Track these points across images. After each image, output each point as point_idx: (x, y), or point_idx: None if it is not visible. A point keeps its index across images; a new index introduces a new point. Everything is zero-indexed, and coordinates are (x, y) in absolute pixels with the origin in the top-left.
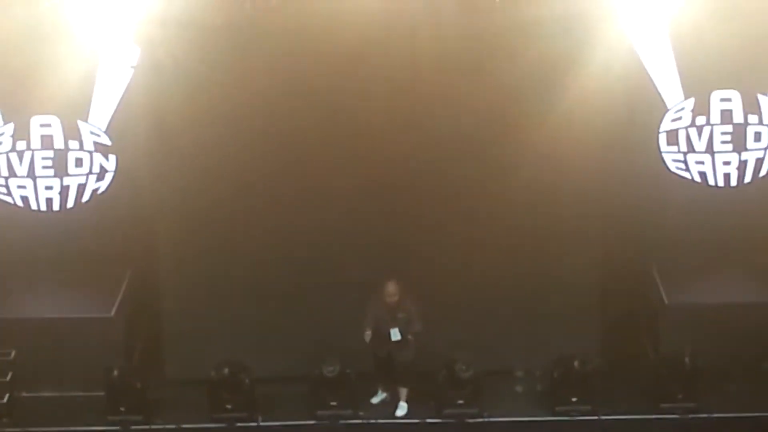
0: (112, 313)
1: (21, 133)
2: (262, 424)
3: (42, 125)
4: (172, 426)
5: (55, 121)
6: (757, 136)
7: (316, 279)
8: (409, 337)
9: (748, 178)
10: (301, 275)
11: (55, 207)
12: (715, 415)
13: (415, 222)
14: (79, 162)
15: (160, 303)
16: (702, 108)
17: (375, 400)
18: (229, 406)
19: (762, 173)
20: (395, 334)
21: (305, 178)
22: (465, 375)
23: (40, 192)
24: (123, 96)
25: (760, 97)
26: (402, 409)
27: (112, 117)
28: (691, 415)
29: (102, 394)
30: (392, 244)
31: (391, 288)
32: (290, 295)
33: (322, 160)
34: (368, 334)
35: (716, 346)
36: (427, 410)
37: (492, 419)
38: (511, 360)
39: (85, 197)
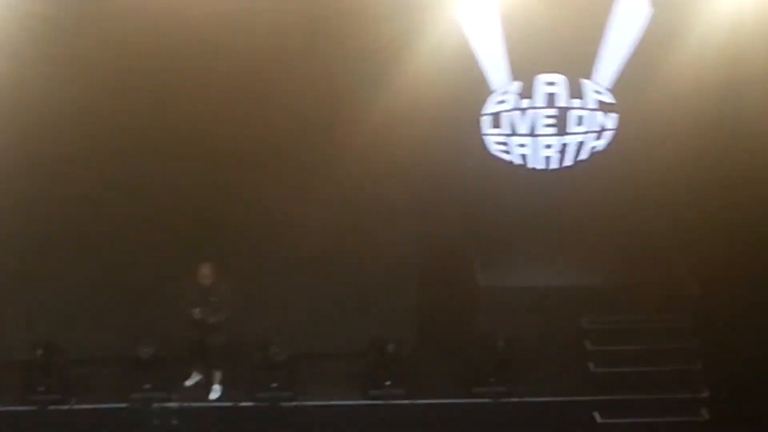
0: None
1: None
2: (74, 407)
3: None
4: None
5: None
6: (580, 120)
7: (132, 259)
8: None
9: (568, 161)
10: (116, 255)
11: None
12: (527, 399)
13: (232, 202)
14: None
15: None
16: (527, 91)
17: (189, 382)
18: (41, 389)
19: (581, 156)
20: (215, 392)
21: (125, 157)
22: (279, 358)
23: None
24: None
25: (583, 81)
26: (216, 392)
27: None
28: (503, 400)
29: None
30: (208, 225)
31: (205, 270)
32: (105, 274)
33: (147, 139)
34: (196, 311)
35: (529, 329)
36: (240, 393)
37: (306, 403)
38: (326, 343)
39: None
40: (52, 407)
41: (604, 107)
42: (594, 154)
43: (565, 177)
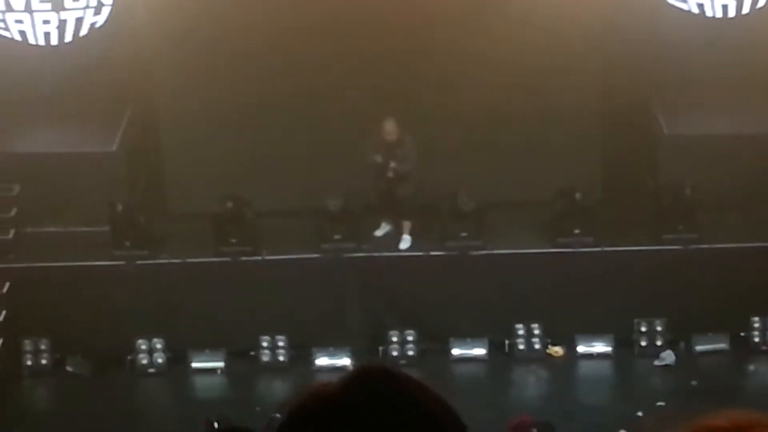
0: (114, 147)
1: None
2: (266, 258)
3: None
4: (178, 260)
5: None
6: None
7: (317, 114)
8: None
9: (747, 9)
10: (301, 110)
11: (53, 41)
12: (716, 245)
13: (415, 59)
14: None
15: (161, 138)
16: None
17: (378, 233)
18: (233, 240)
19: (760, 4)
20: (405, 242)
21: (305, 18)
22: (467, 207)
23: (38, 26)
24: None
25: None
26: (405, 242)
27: None
28: (692, 246)
29: (106, 229)
30: (393, 81)
31: (389, 126)
32: (291, 129)
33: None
34: (379, 157)
35: (715, 177)
36: (430, 243)
37: (495, 251)
38: (513, 192)
39: (83, 31)
40: (244, 258)
41: None
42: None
43: (748, 24)
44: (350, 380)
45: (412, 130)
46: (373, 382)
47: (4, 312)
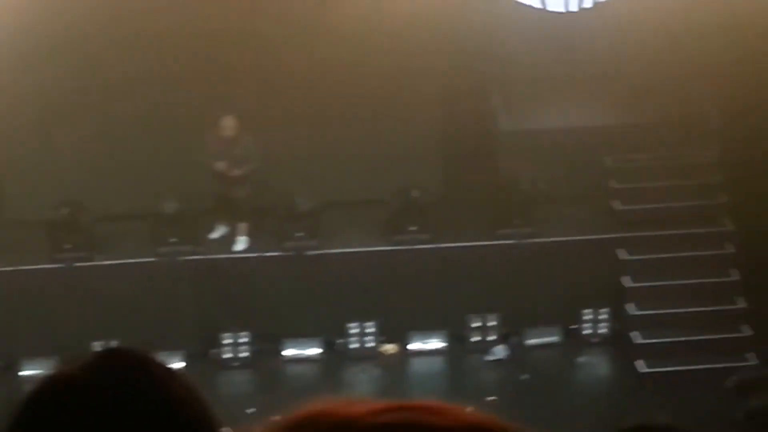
0: None
1: None
2: (101, 263)
3: None
4: (10, 268)
5: None
6: None
7: (153, 117)
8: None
9: (588, 4)
10: (137, 113)
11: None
12: (549, 239)
13: (254, 59)
14: None
15: None
16: None
17: (214, 235)
18: (67, 246)
19: None
20: (241, 243)
21: (142, 16)
22: (304, 207)
23: None
24: None
25: None
26: (241, 243)
27: None
28: (526, 240)
29: None
30: (230, 82)
31: (228, 122)
32: (127, 132)
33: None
34: (219, 164)
35: (552, 171)
36: (266, 244)
37: (331, 251)
38: (350, 191)
39: None
40: (78, 264)
41: None
42: None
43: (583, 18)
44: (93, 361)
45: (251, 131)
46: (116, 363)
47: None
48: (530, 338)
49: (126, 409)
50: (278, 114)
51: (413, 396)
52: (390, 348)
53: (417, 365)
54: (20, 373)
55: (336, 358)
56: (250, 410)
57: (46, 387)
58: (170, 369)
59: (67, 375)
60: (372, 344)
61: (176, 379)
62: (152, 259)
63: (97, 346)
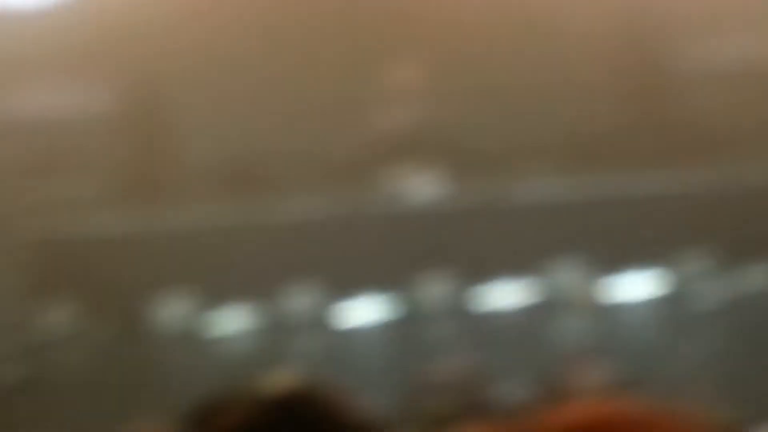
0: None
1: None
2: (275, 208)
3: None
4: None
5: None
6: None
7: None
8: None
9: None
10: (310, 56)
11: None
12: (734, 181)
13: None
14: None
15: None
16: None
17: (396, 181)
18: (241, 191)
19: None
20: None
21: None
22: (483, 148)
23: None
24: None
25: None
26: (427, 187)
27: None
28: (711, 183)
29: None
30: None
31: (401, 63)
32: (302, 81)
33: None
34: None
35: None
36: (449, 186)
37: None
38: (526, 131)
39: None
40: (252, 209)
41: None
42: None
43: None
44: (269, 408)
45: (427, 73)
46: (298, 412)
47: None
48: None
49: None
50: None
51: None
52: (594, 289)
53: (623, 310)
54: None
55: (537, 301)
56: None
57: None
58: (359, 416)
59: (246, 417)
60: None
61: (365, 427)
62: (330, 205)
63: (289, 293)
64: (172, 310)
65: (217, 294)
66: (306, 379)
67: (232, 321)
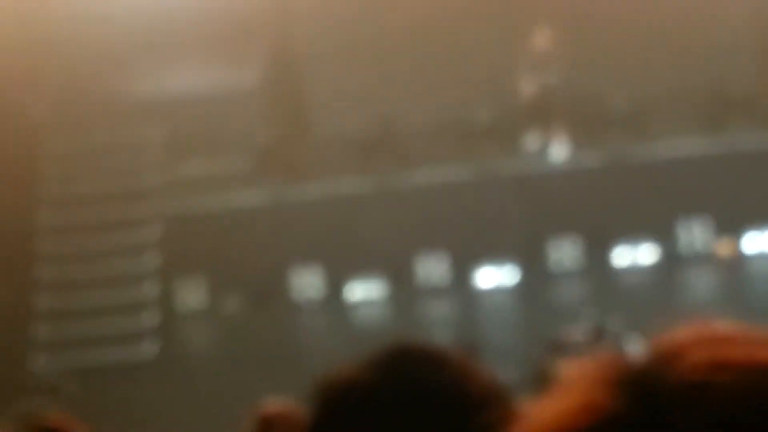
0: None
1: None
2: (417, 179)
3: None
4: (327, 186)
5: None
6: None
7: (464, 22)
8: None
9: None
10: (448, 23)
11: None
12: None
13: None
14: None
15: None
16: None
17: (533, 145)
18: (380, 162)
19: None
20: None
21: None
22: (620, 111)
23: None
24: None
25: None
26: (562, 152)
27: None
28: None
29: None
30: None
31: (542, 30)
32: (438, 43)
33: None
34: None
35: None
36: (587, 152)
37: (652, 154)
38: (666, 89)
39: None
40: (393, 180)
41: None
42: None
43: None
44: (382, 361)
45: (566, 38)
46: (408, 361)
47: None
48: None
49: (419, 410)
50: (590, 17)
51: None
52: (727, 247)
53: (756, 265)
54: (348, 296)
55: (670, 260)
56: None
57: (334, 392)
58: (467, 365)
59: (354, 377)
60: (706, 245)
61: (473, 377)
62: (468, 172)
63: (421, 260)
64: (307, 283)
65: (351, 265)
66: (427, 343)
67: (367, 291)
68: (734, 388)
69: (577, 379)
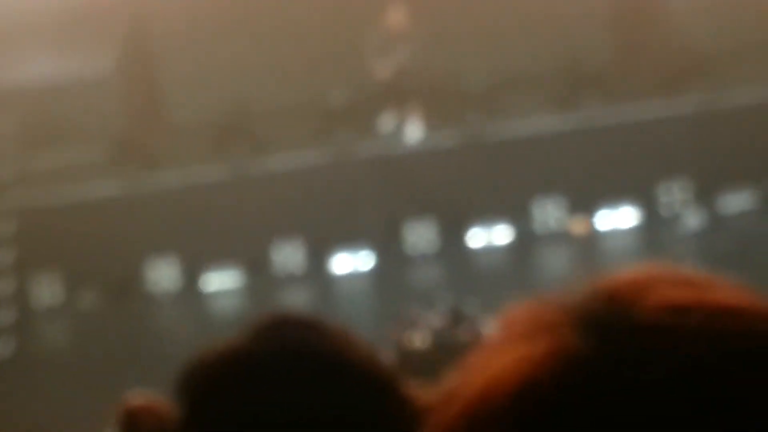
0: None
1: None
2: (272, 164)
3: None
4: (181, 175)
5: None
6: None
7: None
8: None
9: None
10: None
11: None
12: (735, 101)
13: None
14: None
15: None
16: None
17: (387, 126)
18: (236, 149)
19: None
20: None
21: None
22: (476, 89)
23: None
24: None
25: None
26: (415, 132)
27: None
28: (712, 103)
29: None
30: None
31: (393, 8)
32: (291, 27)
33: None
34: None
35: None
36: (442, 130)
37: (507, 131)
38: (521, 66)
39: None
40: (249, 167)
41: None
42: None
43: None
44: (259, 331)
45: (417, 15)
46: (284, 330)
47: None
48: (727, 203)
49: (298, 377)
50: None
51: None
52: (580, 224)
53: (610, 240)
54: (205, 286)
55: (525, 239)
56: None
57: (214, 364)
58: (343, 332)
59: (231, 348)
60: (560, 222)
61: (350, 343)
62: (323, 155)
63: (277, 248)
64: (163, 274)
65: (207, 254)
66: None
67: (224, 280)
68: (703, 330)
69: (530, 323)
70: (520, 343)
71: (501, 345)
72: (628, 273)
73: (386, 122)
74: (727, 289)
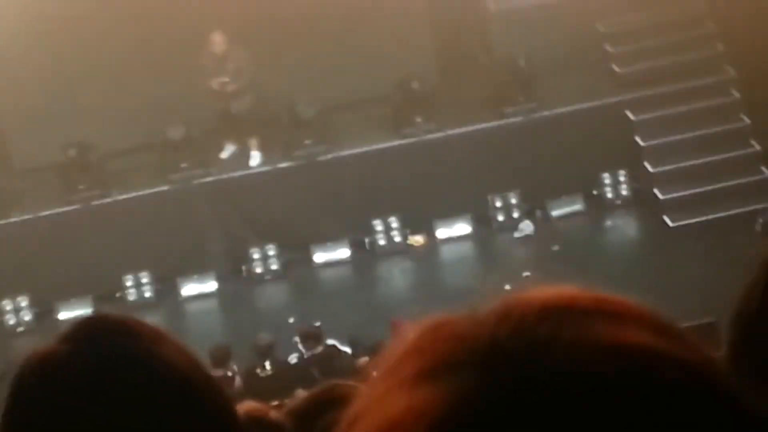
0: None
1: None
2: (117, 198)
3: None
4: (29, 216)
5: None
6: None
7: (143, 44)
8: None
9: None
10: (126, 42)
11: None
12: (556, 111)
13: None
14: None
15: None
16: None
17: (224, 155)
18: (81, 187)
19: None
20: (255, 159)
21: None
22: (307, 115)
23: None
24: None
25: None
26: (255, 159)
27: None
28: (533, 115)
29: None
30: None
31: (216, 37)
32: (123, 65)
33: None
34: (215, 82)
35: (546, 45)
36: (277, 156)
37: (342, 153)
38: (350, 92)
39: None
40: (95, 203)
41: None
42: None
43: None
44: (72, 332)
45: (243, 43)
46: (97, 331)
47: None
48: (554, 210)
49: (112, 377)
50: (266, 21)
51: (447, 282)
52: (417, 239)
53: (447, 253)
54: (59, 317)
55: (365, 257)
56: (291, 319)
57: (27, 367)
58: (157, 330)
59: (47, 351)
60: (399, 239)
61: (164, 341)
62: (167, 188)
63: (129, 279)
64: (15, 310)
65: (60, 290)
66: (124, 315)
67: (76, 315)
68: (617, 376)
69: (434, 355)
70: (423, 382)
71: (401, 381)
72: (530, 296)
73: (224, 150)
74: (635, 320)
